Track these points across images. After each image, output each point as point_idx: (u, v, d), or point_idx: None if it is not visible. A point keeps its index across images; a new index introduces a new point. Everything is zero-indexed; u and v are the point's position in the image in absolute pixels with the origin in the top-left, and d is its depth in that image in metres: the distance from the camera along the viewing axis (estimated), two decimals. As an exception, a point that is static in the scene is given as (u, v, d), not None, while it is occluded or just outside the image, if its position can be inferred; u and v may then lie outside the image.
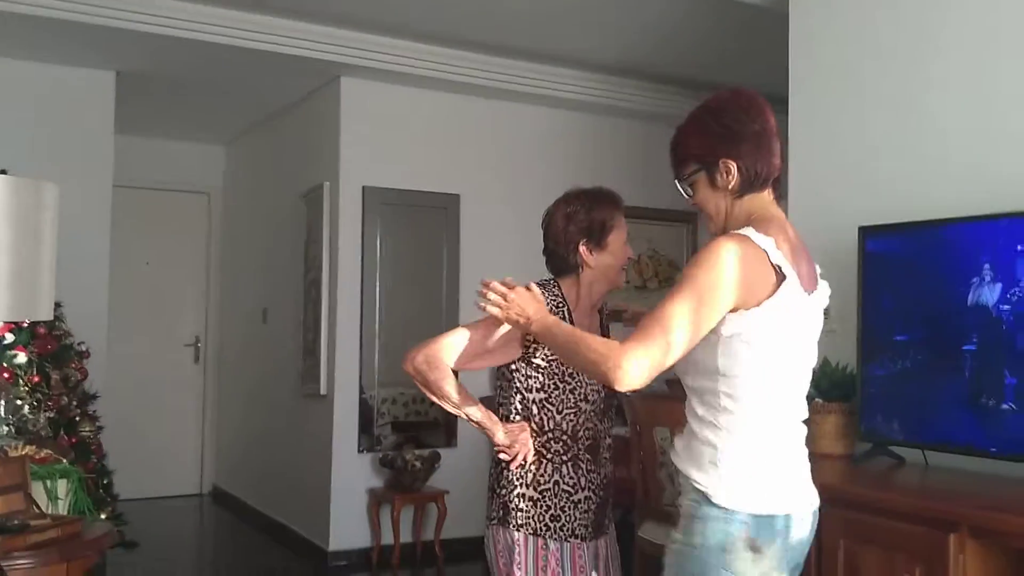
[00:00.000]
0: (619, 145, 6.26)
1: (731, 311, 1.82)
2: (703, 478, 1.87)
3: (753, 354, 1.85)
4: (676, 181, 2.05)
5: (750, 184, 1.95)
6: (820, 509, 1.98)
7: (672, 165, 2.05)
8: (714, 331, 1.83)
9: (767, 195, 1.98)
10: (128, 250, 6.93)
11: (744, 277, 1.80)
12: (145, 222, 7.33)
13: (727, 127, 1.95)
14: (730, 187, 1.95)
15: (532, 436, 2.36)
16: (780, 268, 1.84)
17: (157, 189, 7.42)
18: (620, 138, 6.28)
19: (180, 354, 7.61)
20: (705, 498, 1.86)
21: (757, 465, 1.87)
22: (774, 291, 1.84)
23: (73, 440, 4.43)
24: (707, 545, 1.84)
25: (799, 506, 1.91)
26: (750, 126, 1.95)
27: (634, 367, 1.75)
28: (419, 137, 5.76)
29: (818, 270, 2.03)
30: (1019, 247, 2.73)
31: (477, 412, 2.35)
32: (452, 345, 2.32)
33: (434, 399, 2.36)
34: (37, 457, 3.00)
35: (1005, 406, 2.73)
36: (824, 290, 2.02)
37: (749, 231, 1.86)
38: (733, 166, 1.93)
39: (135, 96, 5.87)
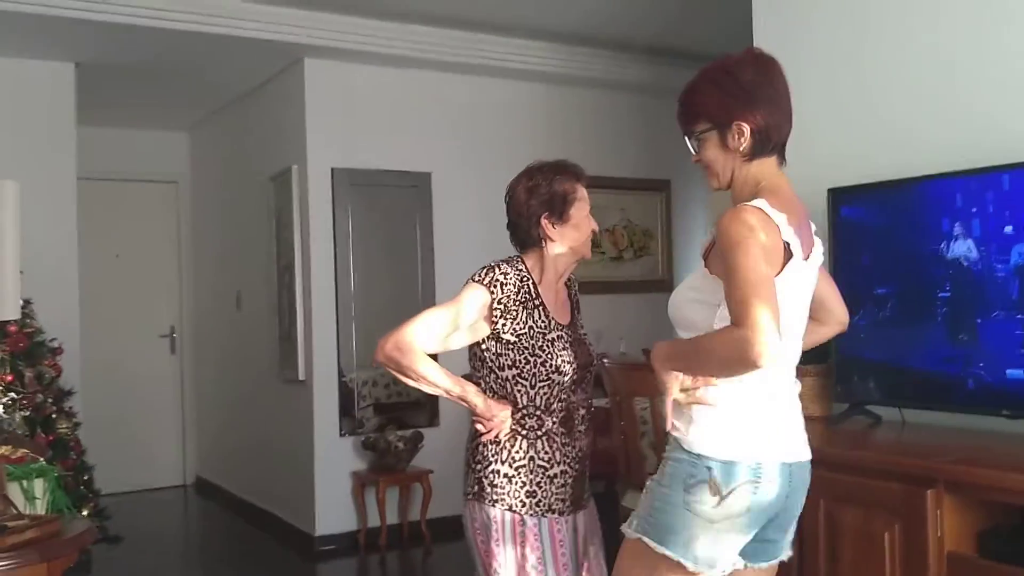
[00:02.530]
0: (589, 115, 6.23)
1: None
2: (681, 426, 1.97)
3: None
4: (685, 137, 2.05)
5: (761, 148, 1.95)
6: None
7: (680, 121, 2.05)
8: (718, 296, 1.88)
9: (775, 161, 1.99)
10: (97, 243, 6.87)
11: (765, 248, 1.82)
12: (113, 214, 7.27)
13: (743, 87, 1.95)
14: (741, 149, 1.95)
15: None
16: (789, 245, 1.88)
17: (123, 180, 7.33)
18: (588, 109, 6.26)
19: (156, 345, 7.55)
20: (678, 444, 1.97)
21: (730, 416, 1.93)
22: (782, 268, 1.88)
23: (51, 438, 4.40)
24: (674, 486, 1.94)
25: (770, 458, 1.93)
26: (766, 88, 1.95)
27: (772, 339, 1.72)
28: (386, 116, 5.71)
29: (813, 228, 2.06)
30: (988, 199, 2.75)
31: (456, 387, 2.35)
32: (420, 329, 2.31)
33: (411, 383, 2.35)
34: (13, 457, 2.96)
35: (976, 356, 2.76)
36: (819, 249, 2.07)
37: (763, 203, 1.87)
38: (746, 128, 1.94)
39: (96, 87, 5.78)
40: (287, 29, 5.12)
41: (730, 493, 1.90)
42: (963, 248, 2.79)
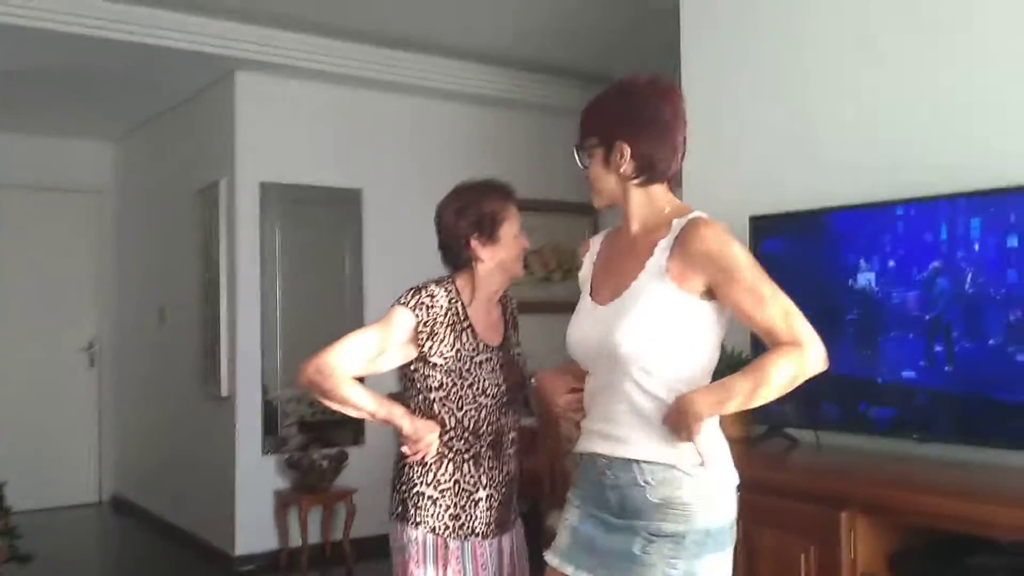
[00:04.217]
0: (519, 138, 6.28)
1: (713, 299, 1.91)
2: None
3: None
4: (575, 148, 2.06)
5: (643, 172, 1.96)
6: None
7: (579, 132, 2.06)
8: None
9: (667, 190, 2.01)
10: (14, 254, 6.67)
11: None
12: (32, 223, 7.06)
13: (632, 110, 1.96)
14: (621, 170, 1.97)
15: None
16: None
17: (43, 189, 7.13)
18: (520, 131, 6.30)
19: (74, 359, 7.34)
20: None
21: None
22: None
23: (-41, 453, 4.25)
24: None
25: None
26: (655, 115, 1.95)
27: (821, 347, 1.82)
28: (317, 132, 5.68)
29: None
30: (898, 230, 2.85)
31: (381, 409, 2.33)
32: (343, 352, 2.28)
33: (335, 407, 2.32)
34: (-84, 473, 2.86)
35: (881, 380, 2.84)
36: None
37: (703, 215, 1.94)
38: (627, 151, 1.95)
39: (17, 92, 5.63)
40: (219, 42, 5.06)
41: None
42: (866, 279, 2.89)
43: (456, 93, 5.95)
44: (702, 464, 1.90)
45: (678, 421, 1.86)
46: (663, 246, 1.92)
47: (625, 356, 1.89)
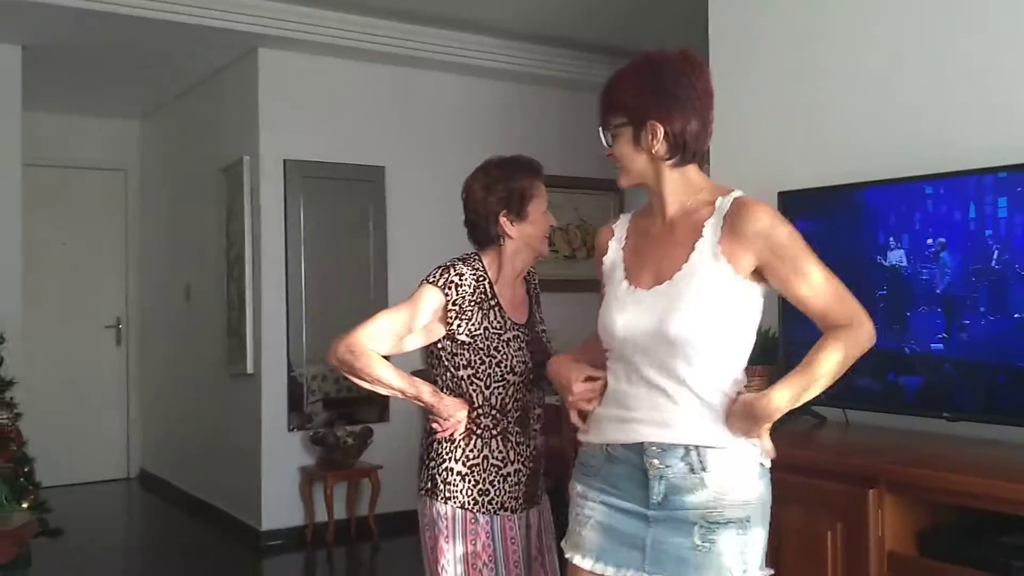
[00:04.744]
0: (544, 114, 6.24)
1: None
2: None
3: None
4: (600, 128, 1.97)
5: (677, 152, 1.89)
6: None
7: (599, 110, 1.97)
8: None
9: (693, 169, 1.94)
10: (42, 231, 6.73)
11: None
12: (60, 201, 7.12)
13: (664, 86, 1.87)
14: (653, 150, 1.89)
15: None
16: None
17: (71, 167, 7.19)
18: (545, 107, 6.27)
19: (101, 336, 7.42)
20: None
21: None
22: None
23: (-10, 429, 4.30)
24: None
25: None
26: (687, 91, 1.87)
27: (872, 324, 1.85)
28: (340, 109, 5.67)
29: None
30: (927, 205, 2.81)
31: (410, 388, 2.34)
32: (374, 331, 2.30)
33: (366, 385, 2.33)
34: (-50, 449, 2.90)
35: (909, 351, 2.82)
36: None
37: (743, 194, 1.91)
38: (660, 130, 1.86)
39: (43, 71, 5.66)
40: (240, 18, 5.06)
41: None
42: (901, 252, 2.85)
43: (480, 68, 5.92)
44: (769, 457, 1.89)
45: (751, 421, 1.83)
46: (712, 225, 1.87)
47: (681, 340, 1.83)
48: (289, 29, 5.22)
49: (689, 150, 1.90)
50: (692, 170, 1.94)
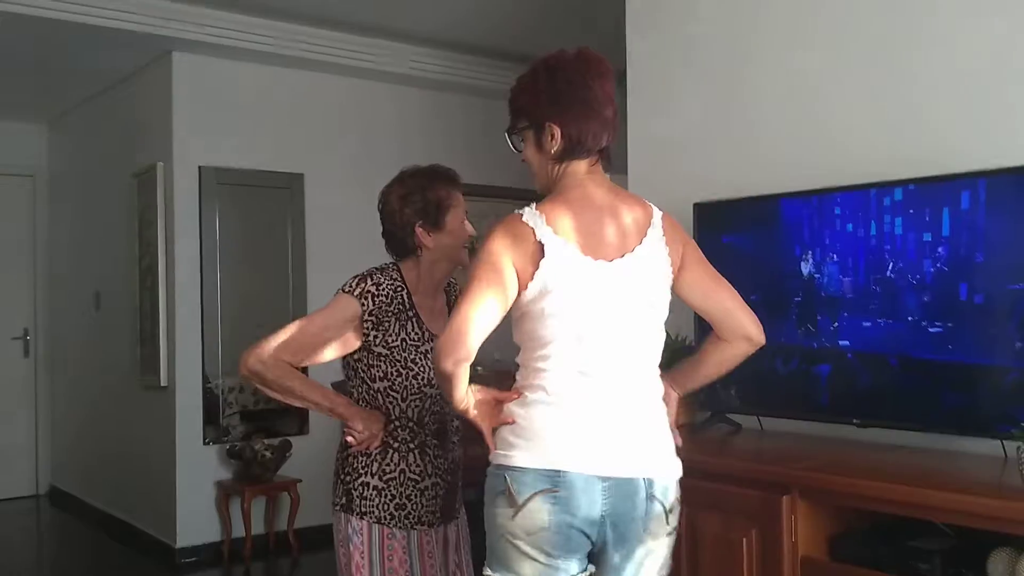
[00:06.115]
0: (463, 122, 6.22)
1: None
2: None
3: (535, 325, 1.88)
4: (506, 133, 2.02)
5: (572, 151, 1.92)
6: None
7: (508, 115, 2.02)
8: (513, 307, 1.90)
9: (585, 164, 1.94)
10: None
11: (510, 258, 1.86)
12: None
13: (558, 89, 1.90)
14: (553, 151, 1.92)
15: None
16: (543, 244, 1.85)
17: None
18: (469, 115, 6.24)
19: (8, 348, 7.16)
20: (489, 462, 1.93)
21: (527, 425, 1.86)
22: (538, 267, 1.86)
23: None
24: (487, 503, 1.90)
25: (575, 468, 1.81)
26: (582, 91, 1.89)
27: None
28: (258, 115, 5.57)
29: (654, 233, 1.95)
30: (835, 215, 2.88)
31: (325, 400, 2.30)
32: (286, 342, 2.25)
33: (278, 397, 2.28)
34: None
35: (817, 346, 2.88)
36: (648, 253, 1.93)
37: (530, 208, 1.91)
38: (558, 131, 1.90)
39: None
40: (155, 21, 4.93)
41: (525, 504, 1.81)
42: (810, 263, 2.91)
43: (401, 76, 5.87)
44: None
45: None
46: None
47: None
48: (204, 33, 5.10)
49: (585, 147, 1.93)
50: (574, 166, 1.96)
